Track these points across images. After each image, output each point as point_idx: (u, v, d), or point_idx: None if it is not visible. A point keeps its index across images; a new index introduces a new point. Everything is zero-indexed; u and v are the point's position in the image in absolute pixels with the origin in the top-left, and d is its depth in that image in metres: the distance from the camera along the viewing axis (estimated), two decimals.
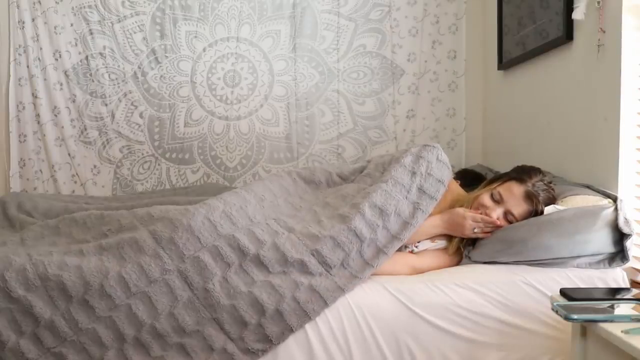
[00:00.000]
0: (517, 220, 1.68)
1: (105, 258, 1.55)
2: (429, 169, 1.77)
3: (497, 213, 1.69)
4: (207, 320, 1.49)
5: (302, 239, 1.60)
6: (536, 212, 1.68)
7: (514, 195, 1.70)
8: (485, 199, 1.72)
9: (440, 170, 1.78)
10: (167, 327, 1.48)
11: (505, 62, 2.53)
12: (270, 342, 1.46)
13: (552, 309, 1.22)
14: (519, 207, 1.69)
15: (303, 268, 1.55)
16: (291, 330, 1.47)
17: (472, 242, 1.75)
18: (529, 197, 1.68)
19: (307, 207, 1.80)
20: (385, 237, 1.65)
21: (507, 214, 1.70)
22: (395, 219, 1.67)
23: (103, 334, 1.46)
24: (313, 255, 1.57)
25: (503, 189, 1.72)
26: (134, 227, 1.64)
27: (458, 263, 1.74)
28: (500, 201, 1.71)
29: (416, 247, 1.76)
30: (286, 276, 1.54)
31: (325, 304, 1.50)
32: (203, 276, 1.52)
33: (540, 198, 1.68)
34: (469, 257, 1.69)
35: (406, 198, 1.71)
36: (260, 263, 1.55)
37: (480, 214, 1.70)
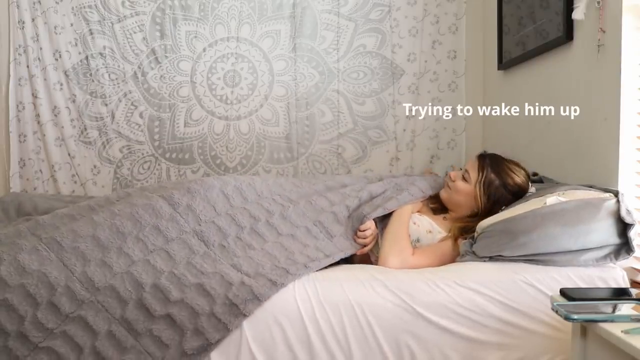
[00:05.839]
0: (470, 176, 1.89)
1: (119, 222, 1.60)
2: (422, 179, 2.06)
3: (454, 174, 1.93)
4: (225, 266, 1.57)
5: (307, 211, 1.81)
6: (485, 169, 1.87)
7: (470, 160, 1.97)
8: (451, 172, 1.98)
9: (430, 180, 2.05)
10: (186, 272, 1.53)
11: (505, 62, 2.53)
12: (287, 273, 1.55)
13: (552, 309, 1.22)
14: (471, 163, 1.94)
15: (309, 233, 1.76)
16: (305, 267, 1.59)
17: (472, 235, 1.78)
18: (481, 155, 1.95)
19: (306, 189, 1.99)
20: (370, 207, 1.87)
21: (464, 174, 1.92)
22: (381, 198, 1.93)
23: (121, 288, 1.48)
24: (316, 225, 1.78)
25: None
26: (145, 196, 1.72)
27: (456, 257, 1.75)
28: (462, 170, 1.97)
29: (418, 241, 1.85)
30: (294, 239, 1.74)
31: (327, 256, 1.69)
32: (218, 236, 1.66)
33: (493, 159, 1.91)
34: (473, 252, 1.69)
35: (395, 189, 1.97)
36: (270, 226, 1.74)
37: (447, 182, 1.96)
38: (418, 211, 1.94)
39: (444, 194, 1.96)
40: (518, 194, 1.85)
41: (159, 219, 1.63)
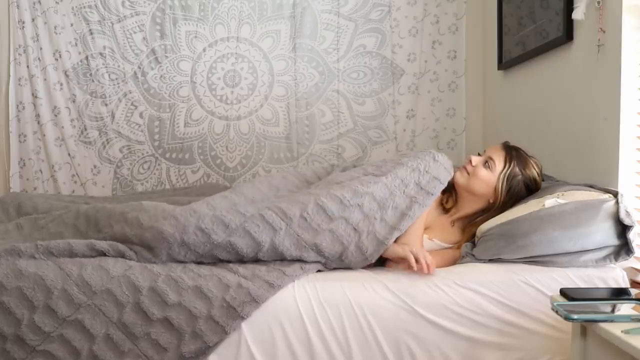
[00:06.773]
0: (496, 166, 1.79)
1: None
2: (427, 167, 1.79)
3: (476, 159, 1.83)
4: (222, 269, 1.56)
5: (301, 234, 1.60)
6: (512, 161, 1.79)
7: (494, 146, 1.87)
8: (472, 156, 1.87)
9: (437, 169, 1.80)
10: (183, 275, 1.51)
11: (505, 62, 2.53)
12: (284, 275, 1.53)
13: (552, 309, 1.22)
14: (496, 151, 1.83)
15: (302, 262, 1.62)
16: (301, 269, 1.57)
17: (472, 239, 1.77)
18: (507, 146, 1.85)
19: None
20: (384, 229, 1.65)
21: (487, 161, 1.81)
22: (392, 211, 1.68)
23: (117, 291, 1.47)
24: (312, 249, 1.60)
25: (487, 148, 1.90)
26: (126, 238, 1.61)
27: (458, 259, 1.74)
28: (483, 154, 1.87)
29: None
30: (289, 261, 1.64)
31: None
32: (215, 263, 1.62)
33: (518, 152, 1.83)
34: (473, 255, 1.69)
35: (404, 193, 1.72)
36: (260, 261, 1.62)
37: (465, 166, 1.84)
38: (425, 230, 1.82)
39: (460, 179, 1.83)
40: (532, 191, 1.82)
41: (150, 264, 1.59)
